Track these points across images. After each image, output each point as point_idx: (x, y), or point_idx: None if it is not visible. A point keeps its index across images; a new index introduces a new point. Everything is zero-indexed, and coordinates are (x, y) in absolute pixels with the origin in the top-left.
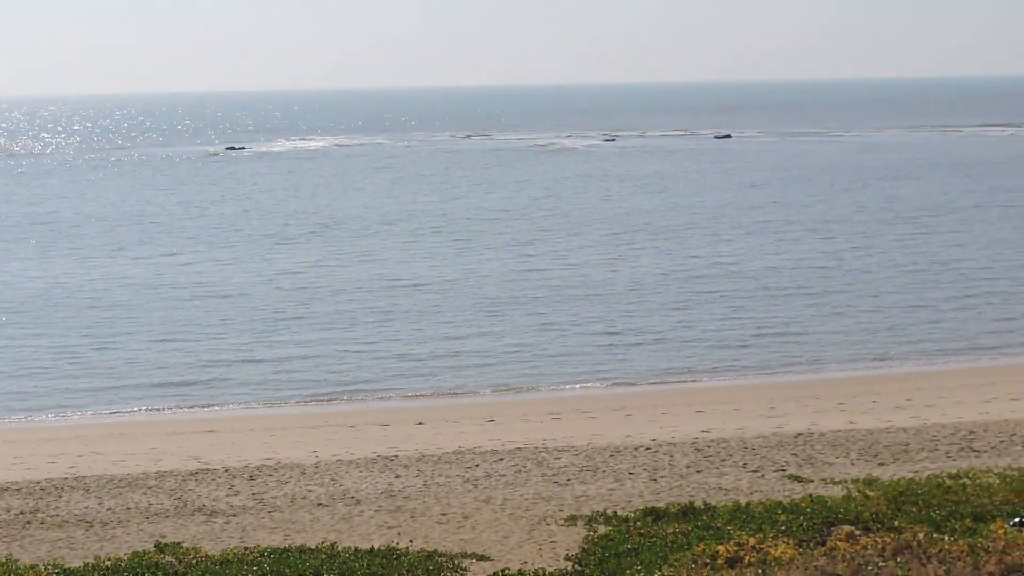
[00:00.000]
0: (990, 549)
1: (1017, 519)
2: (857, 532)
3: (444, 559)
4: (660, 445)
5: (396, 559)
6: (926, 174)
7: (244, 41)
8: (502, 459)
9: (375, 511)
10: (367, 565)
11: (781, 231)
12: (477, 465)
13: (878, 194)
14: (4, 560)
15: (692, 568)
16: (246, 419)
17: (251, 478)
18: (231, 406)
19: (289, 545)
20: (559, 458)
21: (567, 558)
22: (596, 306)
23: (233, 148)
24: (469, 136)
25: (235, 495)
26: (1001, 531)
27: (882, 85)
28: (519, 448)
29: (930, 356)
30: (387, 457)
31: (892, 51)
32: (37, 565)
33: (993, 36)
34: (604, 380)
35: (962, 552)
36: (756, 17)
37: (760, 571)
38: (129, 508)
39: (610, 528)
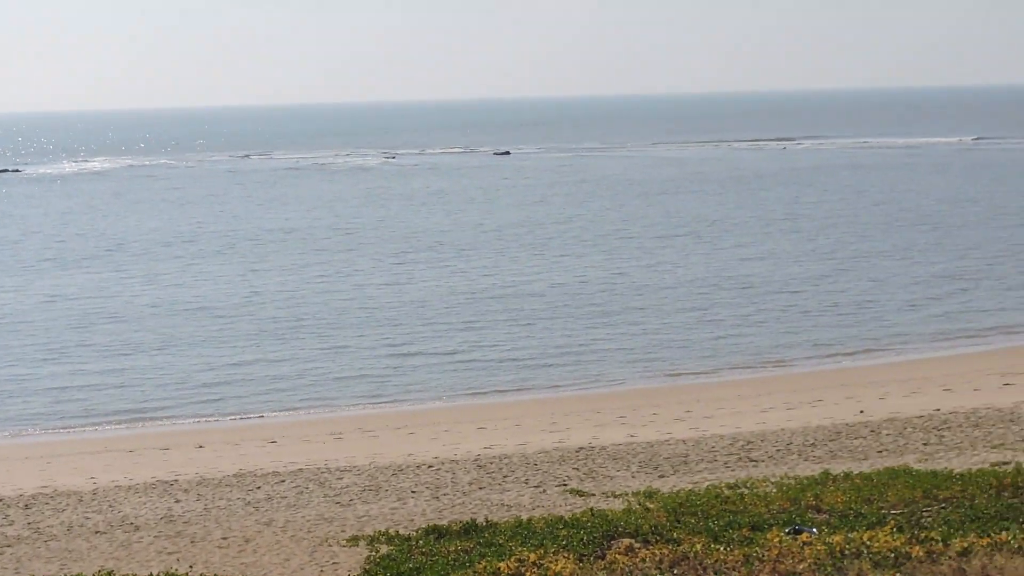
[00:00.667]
0: (764, 558)
1: (792, 527)
2: (637, 545)
3: None
4: (442, 463)
5: None
6: (704, 188)
7: (29, 60)
8: (283, 480)
9: (154, 537)
10: None
11: (567, 247)
12: (258, 487)
13: (660, 208)
14: None
15: None
16: (21, 447)
17: (26, 507)
18: (5, 433)
19: (66, 575)
20: (341, 478)
21: None
22: (381, 326)
23: (7, 171)
24: (248, 156)
25: (9, 525)
26: (776, 539)
27: (643, 101)
28: (301, 469)
29: (710, 369)
30: (166, 482)
31: (646, 67)
32: None
33: (751, 51)
34: (386, 399)
35: (737, 562)
36: (516, 33)
37: None
38: None
39: (392, 548)
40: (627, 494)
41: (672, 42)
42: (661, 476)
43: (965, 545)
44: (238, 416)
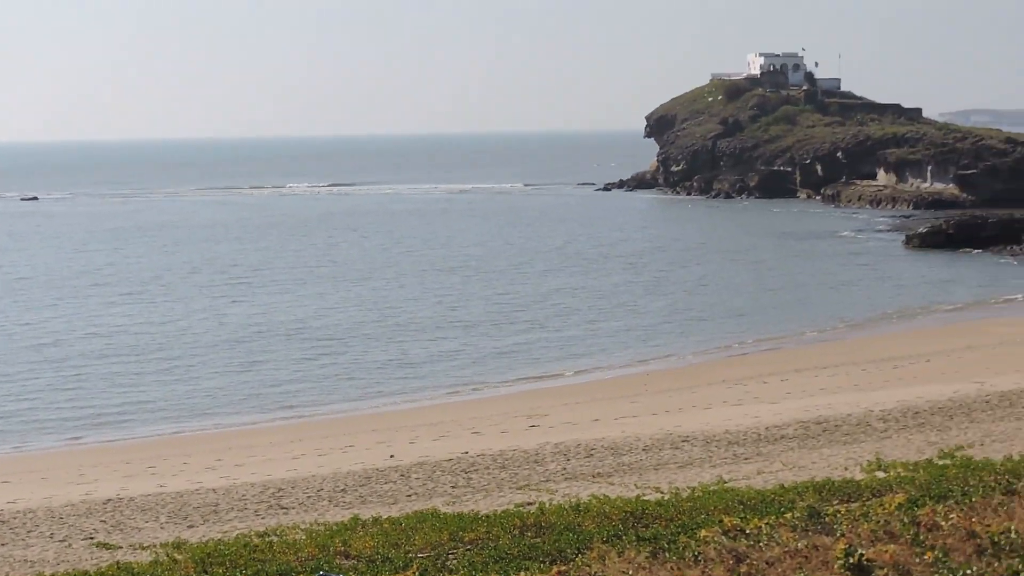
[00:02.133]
0: None
1: (319, 573)
2: None
3: None
4: None
5: None
6: (245, 234)
7: None
8: None
9: None
10: None
11: (107, 296)
12: None
13: (205, 254)
14: None
15: None
16: None
17: None
18: None
19: None
20: None
21: None
22: None
23: None
24: None
25: None
26: None
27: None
28: None
29: (245, 416)
30: None
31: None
32: None
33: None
34: None
35: None
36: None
37: None
38: None
39: None
40: (155, 546)
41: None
42: (191, 526)
43: None
44: None
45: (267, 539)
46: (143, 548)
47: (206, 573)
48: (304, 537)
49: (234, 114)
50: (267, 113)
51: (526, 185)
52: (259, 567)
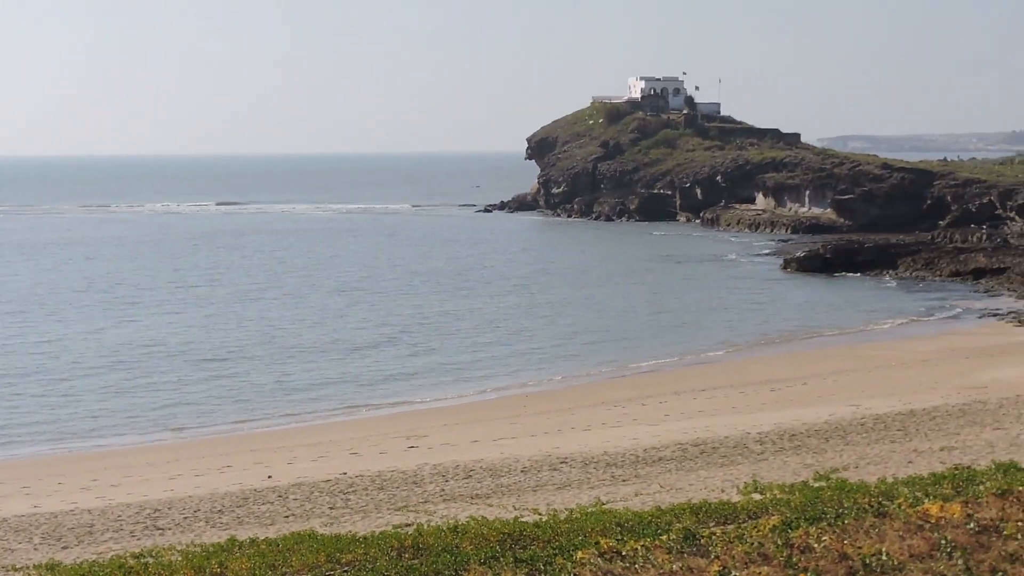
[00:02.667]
0: None
1: None
2: None
3: None
4: None
5: None
6: (126, 252)
7: None
8: None
9: None
10: None
11: None
12: None
13: (87, 272)
14: None
15: None
16: None
17: None
18: None
19: None
20: None
21: None
22: None
23: None
24: None
25: None
26: None
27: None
28: None
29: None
30: None
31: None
32: None
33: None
34: None
35: None
36: None
37: None
38: None
39: None
40: (28, 567)
41: None
42: (65, 547)
43: None
44: None
45: (142, 560)
46: (15, 570)
47: None
48: (180, 559)
49: (117, 132)
50: (156, 130)
51: (414, 206)
52: None
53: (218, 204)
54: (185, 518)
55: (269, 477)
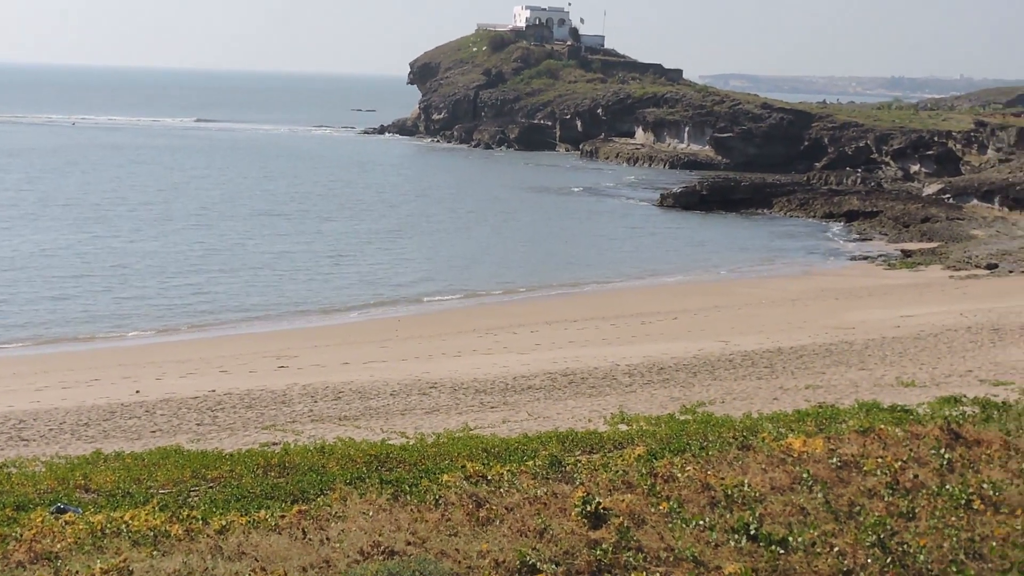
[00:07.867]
0: (22, 537)
1: (57, 506)
2: None
3: None
4: None
5: None
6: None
7: None
8: None
9: None
10: None
11: None
12: None
13: None
14: None
15: None
16: None
17: None
18: None
19: None
20: None
21: None
22: None
23: None
24: None
25: None
26: (39, 519)
27: None
28: None
29: None
30: None
31: None
32: None
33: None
34: None
35: None
36: None
37: None
38: None
39: None
40: None
41: None
42: None
43: (224, 523)
44: None
45: (5, 471)
46: None
47: None
48: (44, 469)
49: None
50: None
51: (291, 128)
52: None
53: (81, 117)
54: (51, 430)
55: (137, 392)
